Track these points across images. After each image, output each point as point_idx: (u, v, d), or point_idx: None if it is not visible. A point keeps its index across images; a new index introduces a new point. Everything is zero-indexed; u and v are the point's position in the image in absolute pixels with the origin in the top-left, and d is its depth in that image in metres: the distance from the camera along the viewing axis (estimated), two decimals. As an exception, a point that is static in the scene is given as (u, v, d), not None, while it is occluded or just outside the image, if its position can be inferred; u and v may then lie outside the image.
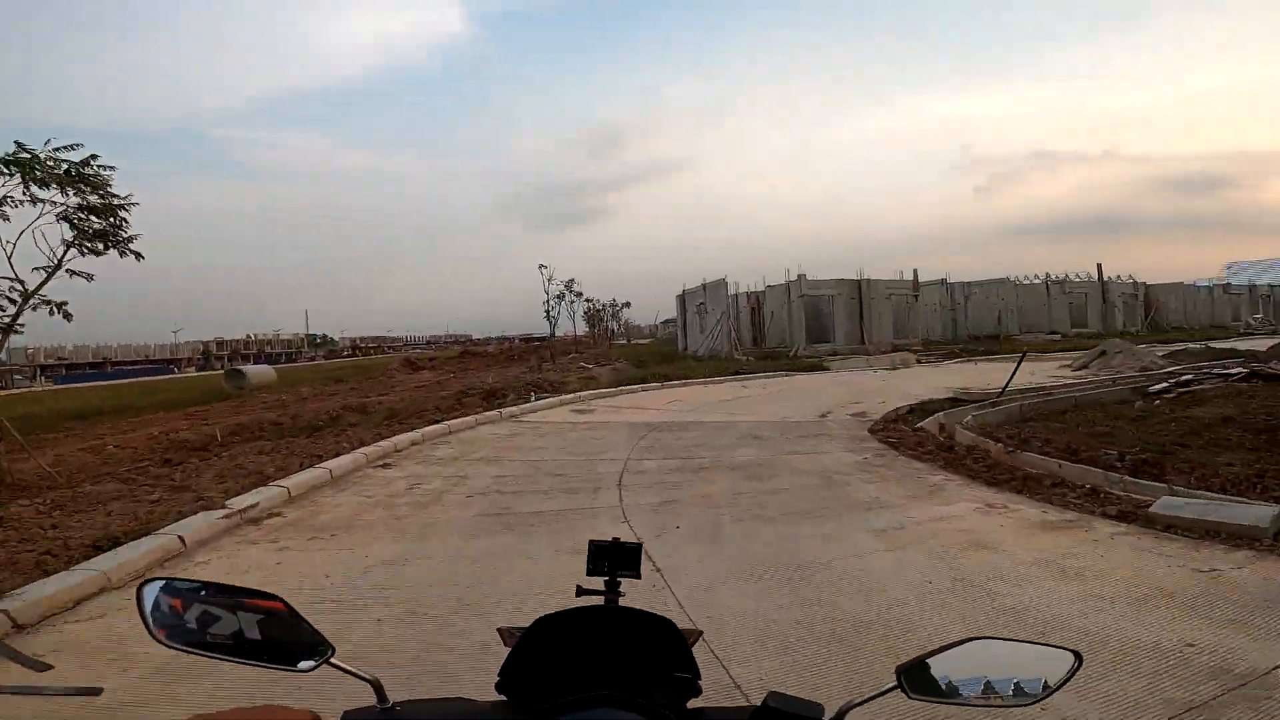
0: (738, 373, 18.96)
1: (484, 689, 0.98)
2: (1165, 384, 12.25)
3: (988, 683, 0.88)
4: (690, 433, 9.38)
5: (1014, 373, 12.44)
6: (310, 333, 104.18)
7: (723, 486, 6.13)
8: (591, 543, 1.21)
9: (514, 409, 12.00)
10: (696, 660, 0.99)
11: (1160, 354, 17.55)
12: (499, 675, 0.95)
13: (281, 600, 0.94)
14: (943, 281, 34.88)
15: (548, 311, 40.43)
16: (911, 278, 31.14)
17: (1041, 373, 16.31)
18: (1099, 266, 38.84)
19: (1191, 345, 20.89)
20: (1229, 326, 43.99)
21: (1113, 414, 10.46)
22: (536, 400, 13.09)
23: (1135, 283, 41.33)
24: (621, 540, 1.20)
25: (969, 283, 35.81)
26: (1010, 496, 5.53)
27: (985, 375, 16.31)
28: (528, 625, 0.98)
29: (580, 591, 1.19)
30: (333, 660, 0.92)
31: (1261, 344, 27.81)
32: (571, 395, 14.10)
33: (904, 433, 8.84)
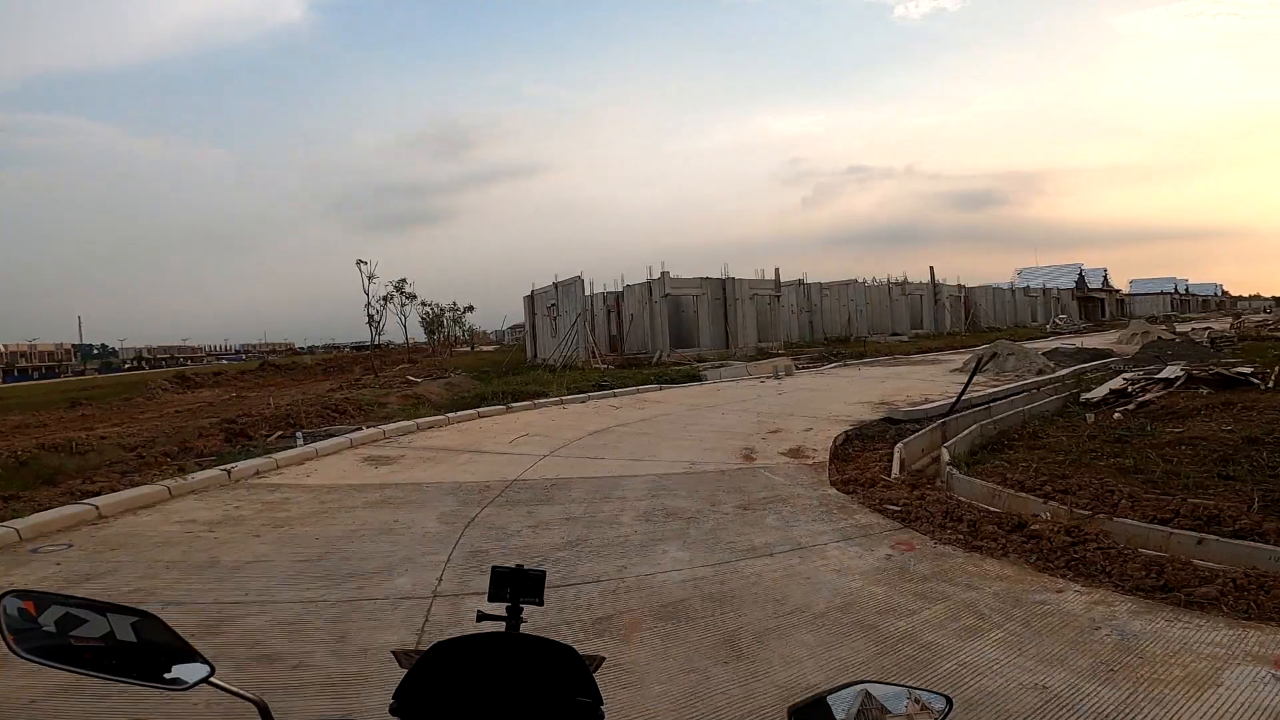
0: (600, 386, 15.50)
1: None
2: (1104, 392, 10.66)
3: None
4: (555, 506, 5.66)
5: (967, 384, 10.13)
6: (82, 343, 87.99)
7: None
8: (494, 569, 1.17)
9: (263, 460, 7.45)
10: (599, 686, 0.99)
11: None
12: (394, 698, 0.95)
13: (154, 615, 0.90)
14: (800, 283, 34.22)
15: (371, 316, 34.26)
16: (773, 277, 29.78)
17: (936, 379, 14.64)
18: (931, 270, 40.83)
19: (1063, 346, 20.94)
20: (1030, 326, 48.79)
21: (1082, 433, 8.39)
22: (306, 444, 8.57)
23: (959, 285, 44.16)
24: (525, 567, 1.17)
25: (823, 284, 35.54)
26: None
27: (882, 382, 14.32)
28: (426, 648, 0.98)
29: (481, 617, 1.17)
30: (212, 680, 0.90)
31: (1079, 341, 30.21)
32: (376, 428, 9.71)
33: (888, 485, 5.82)
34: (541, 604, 1.17)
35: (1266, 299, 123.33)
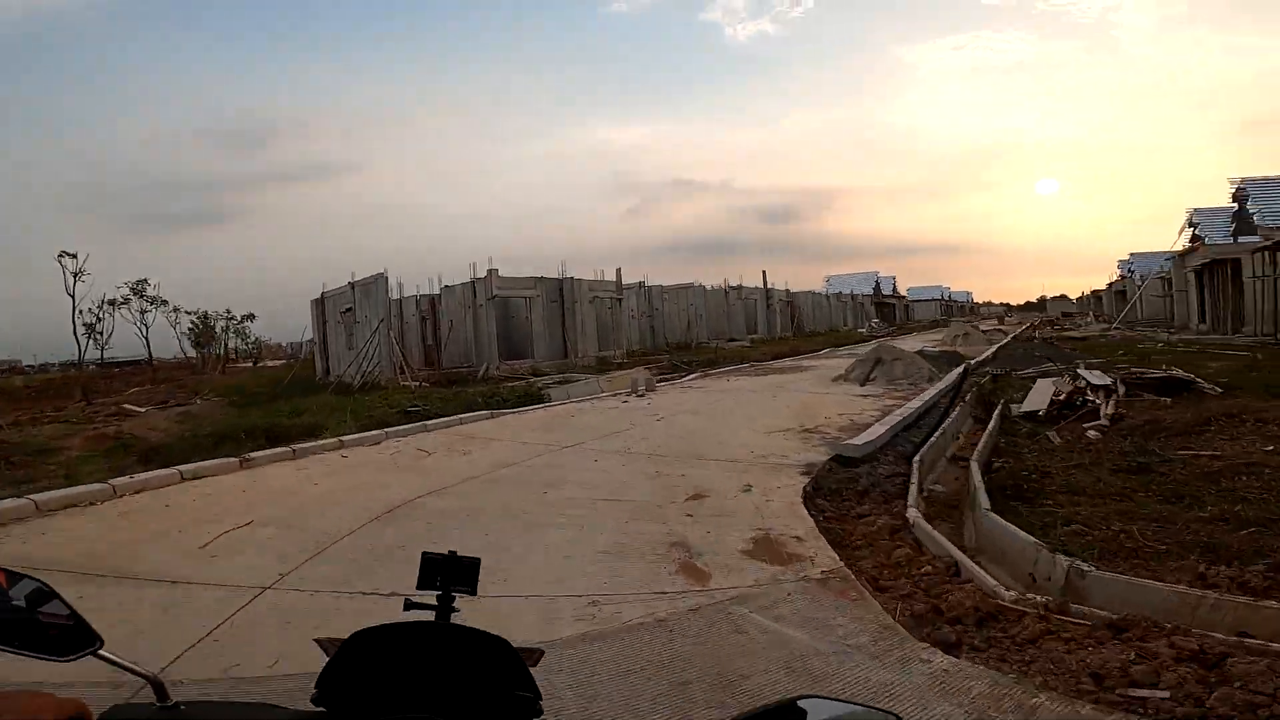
0: (409, 414, 11.27)
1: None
2: (1042, 403, 8.90)
3: None
4: None
5: (948, 418, 7.63)
6: None
7: None
8: (424, 555, 1.08)
9: None
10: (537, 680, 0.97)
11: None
12: (315, 686, 0.93)
13: (39, 581, 0.87)
14: (641, 285, 31.87)
15: (87, 325, 25.95)
16: (615, 278, 26.95)
17: (829, 391, 12.52)
18: (764, 274, 41.00)
19: (931, 348, 20.28)
20: (844, 330, 51.76)
21: (1076, 461, 6.25)
22: None
23: (787, 290, 45.17)
24: (458, 554, 1.08)
25: (664, 287, 33.57)
26: None
27: (773, 398, 11.85)
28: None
29: (409, 605, 1.06)
30: (102, 652, 0.86)
31: (907, 342, 31.48)
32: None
33: (1023, 616, 2.73)
34: (475, 594, 1.07)
35: (998, 305, 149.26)
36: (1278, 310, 21.35)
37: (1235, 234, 28.08)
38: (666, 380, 16.70)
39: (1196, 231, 32.68)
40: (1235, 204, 27.50)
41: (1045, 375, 13.58)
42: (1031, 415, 9.23)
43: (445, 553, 1.08)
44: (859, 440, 7.19)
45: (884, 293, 73.27)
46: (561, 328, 24.18)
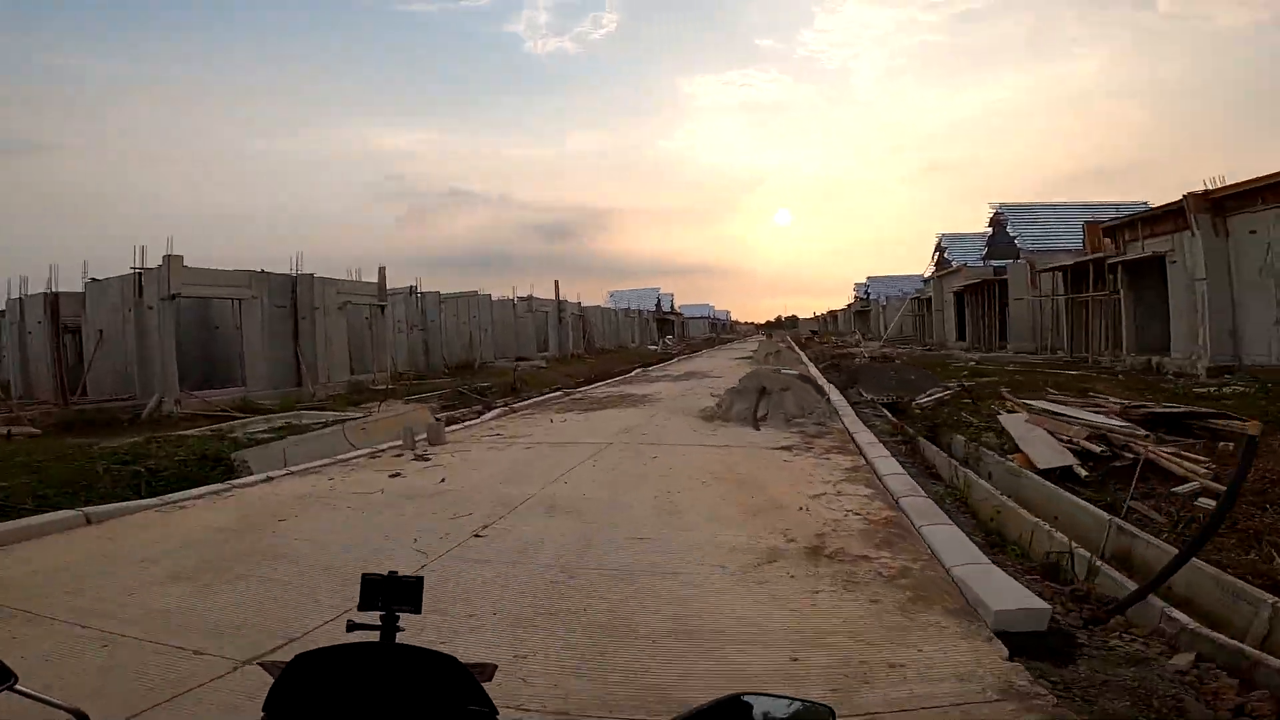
0: None
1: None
2: (1058, 458, 5.75)
3: None
4: None
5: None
6: None
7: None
8: (365, 576, 1.08)
9: None
10: (490, 694, 0.95)
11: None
12: (263, 710, 0.92)
13: None
14: (411, 291, 25.43)
15: None
16: (377, 279, 20.46)
17: (714, 444, 8.56)
18: (556, 285, 36.82)
19: (766, 369, 17.46)
20: (634, 347, 49.97)
21: None
22: None
23: (579, 304, 41.58)
24: (399, 574, 1.07)
25: (441, 295, 27.40)
26: None
27: (660, 464, 7.49)
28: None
29: (351, 627, 1.07)
30: (17, 688, 0.87)
31: (714, 361, 29.64)
32: None
33: None
34: (419, 612, 1.07)
35: (746, 324, 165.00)
36: (1042, 328, 22.87)
37: (987, 257, 31.21)
38: (464, 424, 11.39)
39: (946, 255, 36.38)
40: (990, 228, 30.61)
41: (942, 402, 11.25)
42: (1058, 474, 6.12)
43: (385, 573, 1.06)
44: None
45: (663, 309, 74.16)
46: (294, 343, 17.16)
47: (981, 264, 30.16)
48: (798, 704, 0.97)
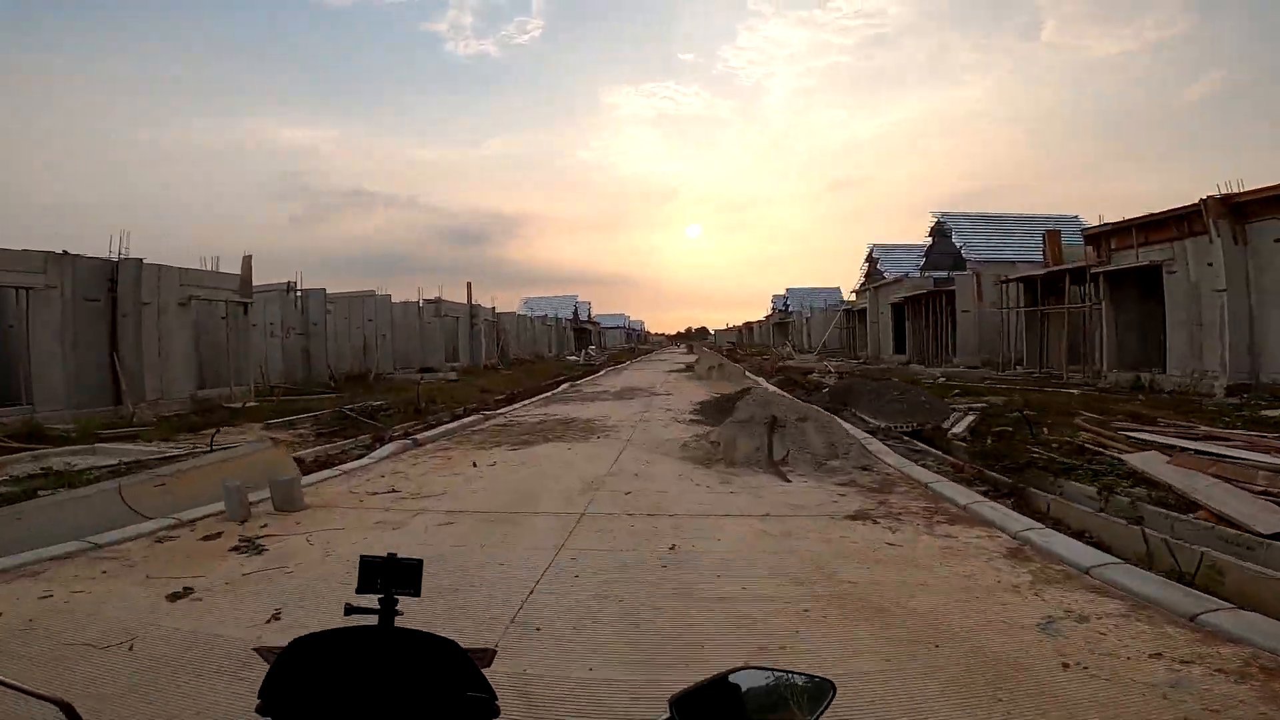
0: None
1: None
2: None
3: (755, 713, 0.94)
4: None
5: None
6: None
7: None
8: (363, 558, 1.04)
9: None
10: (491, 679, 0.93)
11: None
12: (259, 696, 0.90)
13: None
14: (289, 288, 20.95)
15: None
16: (240, 271, 16.10)
17: (740, 512, 5.68)
18: (468, 287, 32.88)
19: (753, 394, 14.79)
20: (551, 357, 46.45)
21: None
22: None
23: (494, 309, 37.69)
24: (398, 555, 1.04)
25: (328, 293, 22.93)
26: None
27: (697, 591, 4.41)
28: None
29: (349, 610, 1.03)
30: (4, 680, 0.83)
31: (653, 374, 26.77)
32: None
33: None
34: (418, 595, 1.03)
35: (658, 335, 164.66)
36: (1008, 341, 21.69)
37: (925, 268, 30.39)
38: (331, 461, 7.85)
39: (879, 265, 35.60)
40: (931, 238, 29.77)
41: (975, 430, 8.91)
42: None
43: (384, 556, 1.04)
44: None
45: (581, 318, 70.92)
46: (110, 347, 12.76)
47: (919, 275, 29.26)
48: (800, 677, 0.97)
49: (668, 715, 0.88)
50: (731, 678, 0.94)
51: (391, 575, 1.02)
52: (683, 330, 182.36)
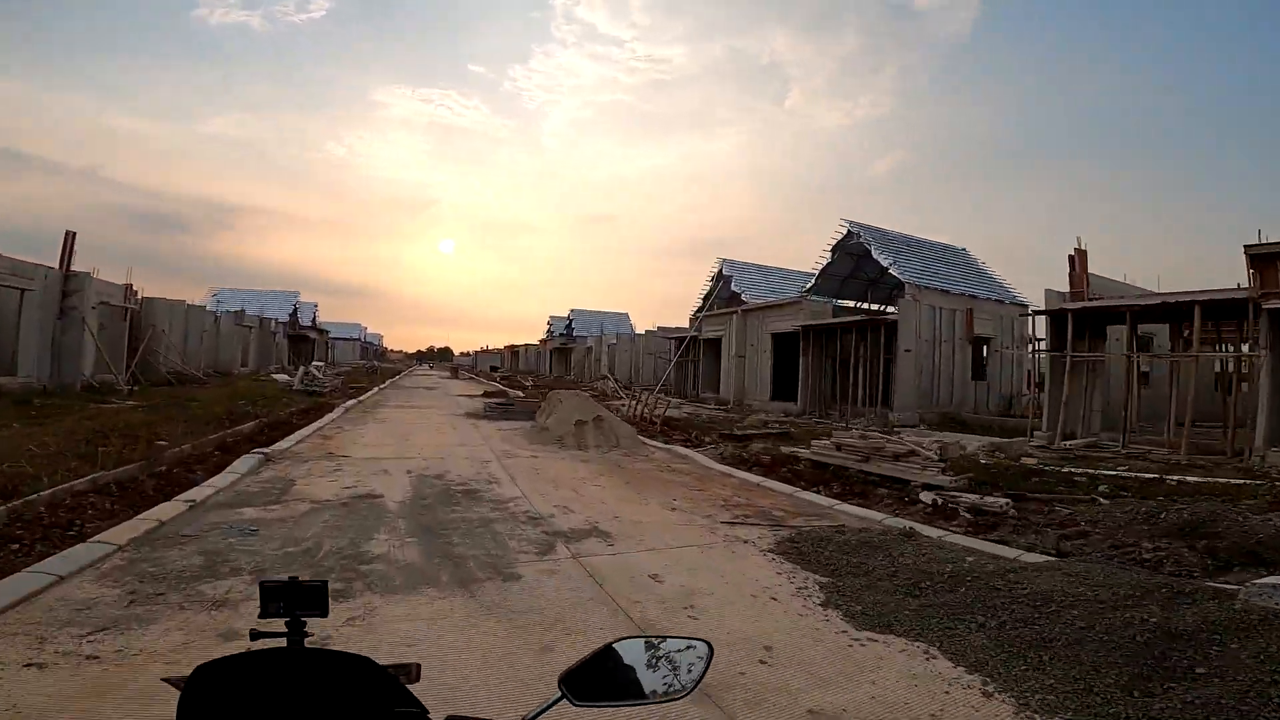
0: None
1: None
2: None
3: (641, 681, 0.98)
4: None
5: None
6: None
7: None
8: (262, 583, 1.00)
9: None
10: (418, 695, 0.92)
11: None
12: None
13: None
14: None
15: None
16: None
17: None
18: (68, 238, 16.96)
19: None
20: (240, 374, 30.31)
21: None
22: None
23: (130, 289, 21.38)
24: (300, 579, 1.00)
25: None
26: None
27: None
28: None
29: (255, 635, 1.01)
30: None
31: (438, 415, 14.33)
32: None
33: None
34: (325, 615, 1.00)
35: (397, 352, 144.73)
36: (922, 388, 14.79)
37: (816, 291, 23.39)
38: None
39: (734, 286, 28.11)
40: (832, 254, 22.82)
41: None
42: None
43: (285, 579, 1.00)
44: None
45: (303, 323, 52.77)
46: None
47: (813, 300, 22.20)
48: (676, 641, 1.02)
49: (559, 695, 0.93)
50: (614, 648, 1.00)
51: (295, 598, 0.99)
52: (424, 349, 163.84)
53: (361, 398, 20.89)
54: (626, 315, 57.57)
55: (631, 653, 0.99)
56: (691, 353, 28.07)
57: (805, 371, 20.94)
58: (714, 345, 27.01)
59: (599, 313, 57.30)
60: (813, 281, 23.74)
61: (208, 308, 34.97)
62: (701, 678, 0.97)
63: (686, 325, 29.78)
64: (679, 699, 0.98)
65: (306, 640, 0.98)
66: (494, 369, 75.17)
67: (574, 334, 54.90)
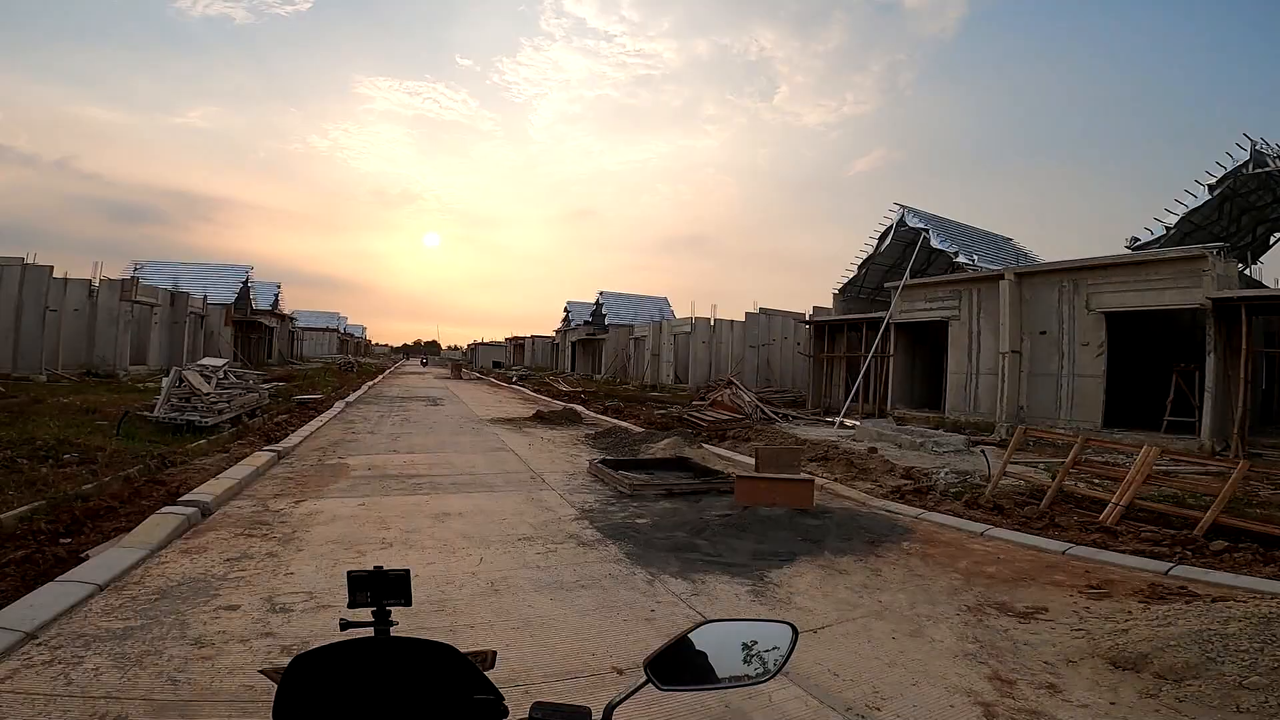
0: None
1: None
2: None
3: (724, 665, 0.96)
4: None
5: None
6: None
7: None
8: (350, 573, 1.03)
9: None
10: (495, 681, 0.92)
11: None
12: (273, 716, 0.88)
13: None
14: None
15: None
16: None
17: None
18: None
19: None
20: (145, 376, 19.15)
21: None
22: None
23: None
24: (385, 568, 1.03)
25: None
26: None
27: None
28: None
29: (345, 625, 1.02)
30: None
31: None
32: None
33: None
34: (409, 604, 1.03)
35: (382, 345, 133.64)
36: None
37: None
38: None
39: (939, 244, 17.18)
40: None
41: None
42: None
43: (371, 569, 1.03)
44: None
45: (258, 306, 41.06)
46: None
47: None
48: (760, 625, 1.00)
49: (644, 679, 0.93)
50: (694, 634, 0.97)
51: (380, 587, 1.01)
52: (411, 343, 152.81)
53: (281, 443, 9.71)
54: (665, 300, 46.52)
55: (714, 636, 0.97)
56: (883, 347, 16.87)
57: (1215, 379, 10.06)
58: (919, 332, 16.06)
59: (634, 296, 46.10)
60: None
61: (135, 276, 23.73)
62: (785, 661, 0.96)
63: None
64: (762, 683, 0.97)
65: (392, 629, 0.98)
66: (498, 366, 63.53)
67: (605, 321, 43.56)
